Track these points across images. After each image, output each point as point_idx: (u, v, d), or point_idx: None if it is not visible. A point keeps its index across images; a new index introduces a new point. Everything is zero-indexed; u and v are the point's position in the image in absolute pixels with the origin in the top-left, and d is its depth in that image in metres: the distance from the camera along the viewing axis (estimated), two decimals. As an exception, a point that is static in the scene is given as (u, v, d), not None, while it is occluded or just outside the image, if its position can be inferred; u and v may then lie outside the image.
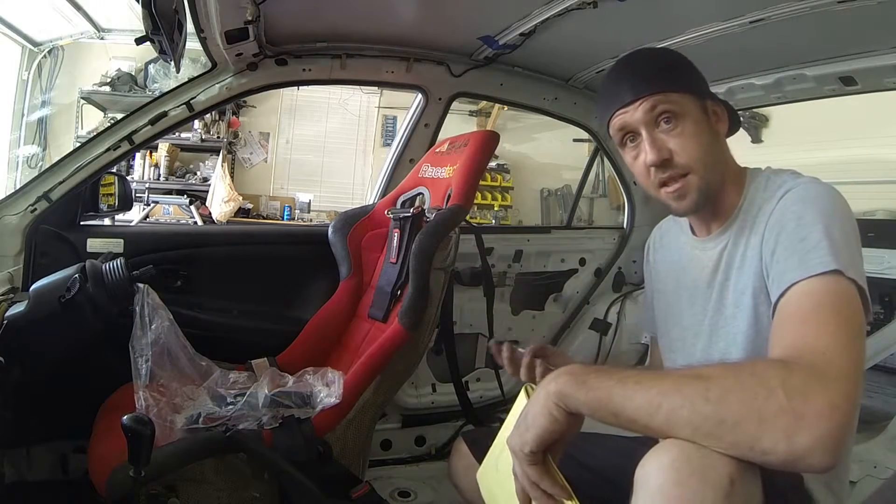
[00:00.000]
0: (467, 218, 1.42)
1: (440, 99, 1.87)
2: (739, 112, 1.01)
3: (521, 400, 0.76)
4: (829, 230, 0.74)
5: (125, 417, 0.89)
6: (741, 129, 1.03)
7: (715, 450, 0.61)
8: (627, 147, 0.92)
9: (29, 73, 4.44)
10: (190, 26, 1.33)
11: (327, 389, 1.21)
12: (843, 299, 0.71)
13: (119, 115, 3.11)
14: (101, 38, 4.56)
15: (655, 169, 0.87)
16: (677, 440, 0.63)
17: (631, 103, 0.87)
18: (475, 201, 3.18)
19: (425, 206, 1.54)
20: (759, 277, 0.82)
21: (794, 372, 0.62)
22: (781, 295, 0.74)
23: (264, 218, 5.11)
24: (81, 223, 1.61)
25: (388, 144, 4.94)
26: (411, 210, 1.50)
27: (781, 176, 0.87)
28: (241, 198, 4.85)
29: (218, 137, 4.89)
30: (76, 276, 1.17)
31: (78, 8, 4.07)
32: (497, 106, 5.08)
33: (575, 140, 5.14)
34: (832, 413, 0.59)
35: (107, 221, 2.31)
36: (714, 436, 0.61)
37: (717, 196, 0.90)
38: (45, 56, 4.50)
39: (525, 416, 0.71)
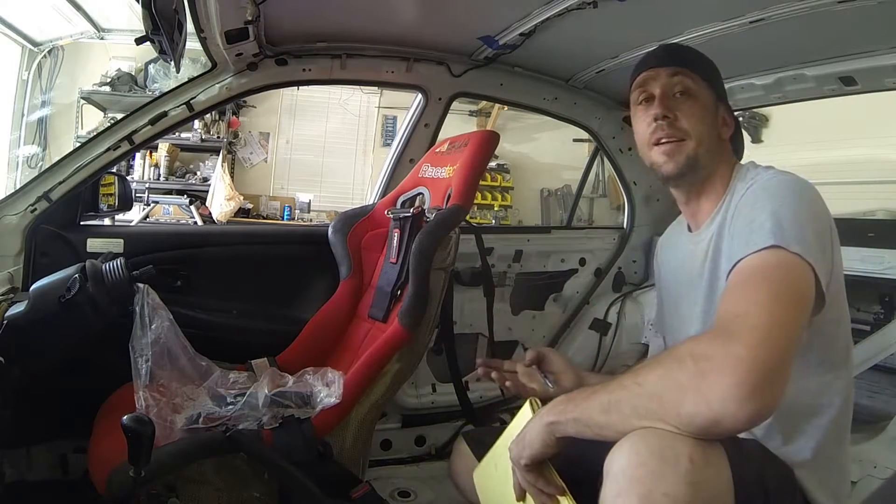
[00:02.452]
0: (467, 218, 1.42)
1: (440, 99, 1.86)
2: (739, 112, 1.03)
3: (525, 411, 0.83)
4: (777, 212, 0.77)
5: (125, 417, 0.89)
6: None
7: (658, 426, 0.66)
8: (640, 106, 0.98)
9: (29, 73, 4.44)
10: (190, 26, 1.33)
11: (327, 389, 1.21)
12: (775, 267, 0.73)
13: (119, 115, 3.11)
14: (101, 38, 4.56)
15: (657, 123, 0.93)
16: (639, 430, 0.67)
17: (658, 67, 0.97)
18: (475, 201, 3.17)
19: (425, 206, 1.54)
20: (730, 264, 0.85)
21: (700, 340, 0.68)
22: (728, 274, 0.78)
23: (264, 218, 5.11)
24: (81, 223, 1.61)
25: (388, 144, 4.94)
26: (411, 210, 1.50)
27: (757, 169, 0.91)
28: (241, 198, 4.85)
29: (218, 137, 4.89)
30: (76, 276, 1.17)
31: (78, 8, 4.07)
32: (497, 106, 5.08)
33: (575, 140, 5.15)
34: (736, 364, 0.62)
35: (107, 221, 2.31)
36: (651, 412, 0.66)
37: (704, 181, 0.95)
38: (45, 56, 4.50)
39: (524, 435, 0.78)
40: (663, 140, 0.93)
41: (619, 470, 0.66)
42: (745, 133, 1.15)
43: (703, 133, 0.92)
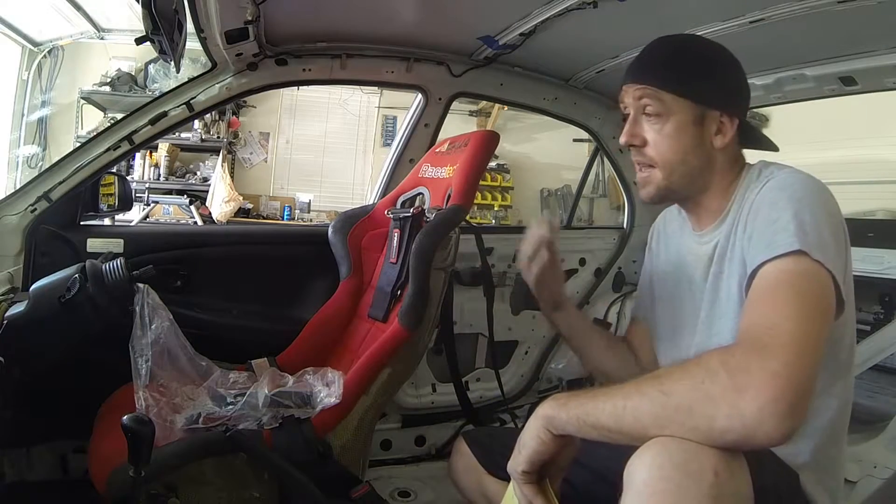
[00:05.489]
0: (467, 218, 1.42)
1: (440, 99, 1.86)
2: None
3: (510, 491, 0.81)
4: (798, 214, 0.76)
5: (125, 417, 0.88)
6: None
7: (682, 437, 0.64)
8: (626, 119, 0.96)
9: (29, 73, 4.44)
10: (190, 26, 1.33)
11: (327, 389, 1.21)
12: (802, 277, 0.73)
13: (119, 115, 3.11)
14: (101, 38, 4.56)
15: (630, 148, 0.94)
16: (660, 438, 0.65)
17: (629, 82, 0.94)
18: (475, 201, 3.17)
19: (425, 206, 1.54)
20: (744, 266, 0.83)
21: (733, 353, 0.67)
22: (751, 278, 0.77)
23: (264, 218, 5.11)
24: (81, 223, 1.61)
25: (388, 144, 4.94)
26: (411, 210, 1.49)
27: (769, 168, 0.89)
28: (241, 198, 4.85)
29: (218, 137, 4.89)
30: (76, 276, 1.17)
31: (78, 8, 4.07)
32: (497, 106, 5.08)
33: (575, 140, 5.15)
34: (774, 380, 0.62)
35: (107, 221, 2.31)
36: (676, 422, 0.64)
37: (697, 195, 0.94)
38: (45, 56, 4.50)
39: (519, 440, 0.77)
40: (638, 164, 0.94)
41: (640, 483, 0.64)
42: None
43: (672, 161, 0.90)
